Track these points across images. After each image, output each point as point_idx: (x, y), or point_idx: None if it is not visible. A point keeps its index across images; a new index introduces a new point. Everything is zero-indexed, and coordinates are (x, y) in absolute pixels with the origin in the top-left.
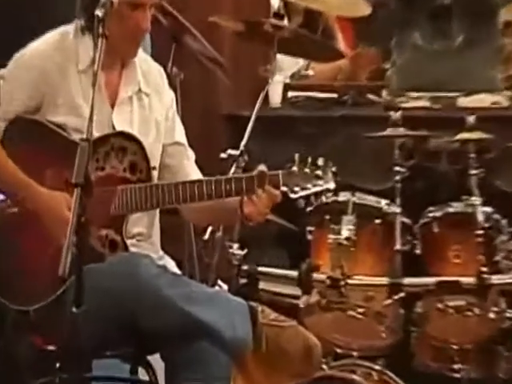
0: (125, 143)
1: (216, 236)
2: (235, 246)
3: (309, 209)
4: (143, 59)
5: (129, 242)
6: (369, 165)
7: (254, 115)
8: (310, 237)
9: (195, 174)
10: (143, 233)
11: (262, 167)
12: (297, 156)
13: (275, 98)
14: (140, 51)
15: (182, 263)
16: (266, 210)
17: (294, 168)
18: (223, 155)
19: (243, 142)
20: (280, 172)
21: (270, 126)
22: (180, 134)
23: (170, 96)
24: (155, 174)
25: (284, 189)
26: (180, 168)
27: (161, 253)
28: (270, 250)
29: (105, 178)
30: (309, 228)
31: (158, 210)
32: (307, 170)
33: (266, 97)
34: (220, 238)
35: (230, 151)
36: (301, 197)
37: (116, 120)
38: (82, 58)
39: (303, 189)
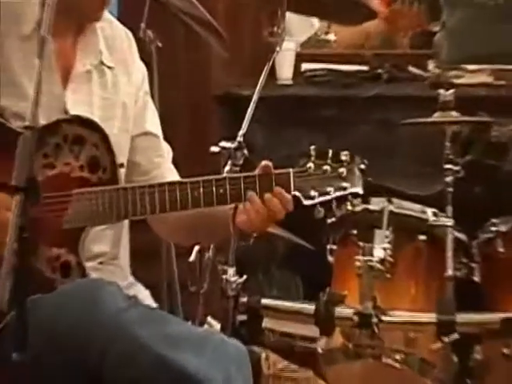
0: (82, 132)
1: (205, 257)
2: (231, 270)
3: (330, 220)
4: (106, 21)
5: (87, 264)
6: (410, 161)
7: (257, 95)
8: (331, 258)
9: (172, 175)
10: (107, 253)
11: (266, 163)
12: (313, 149)
13: (284, 71)
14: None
15: (160, 293)
16: (270, 222)
17: (310, 165)
18: (214, 149)
19: (241, 131)
20: (291, 170)
21: (278, 108)
22: (152, 123)
23: (140, 71)
24: (123, 172)
25: (296, 193)
26: (152, 167)
27: (131, 279)
28: (277, 275)
29: (55, 179)
30: (330, 246)
31: (126, 223)
32: (327, 168)
33: (273, 70)
34: (210, 259)
35: (223, 143)
36: (319, 204)
37: (70, 102)
38: (26, 19)
39: (322, 193)
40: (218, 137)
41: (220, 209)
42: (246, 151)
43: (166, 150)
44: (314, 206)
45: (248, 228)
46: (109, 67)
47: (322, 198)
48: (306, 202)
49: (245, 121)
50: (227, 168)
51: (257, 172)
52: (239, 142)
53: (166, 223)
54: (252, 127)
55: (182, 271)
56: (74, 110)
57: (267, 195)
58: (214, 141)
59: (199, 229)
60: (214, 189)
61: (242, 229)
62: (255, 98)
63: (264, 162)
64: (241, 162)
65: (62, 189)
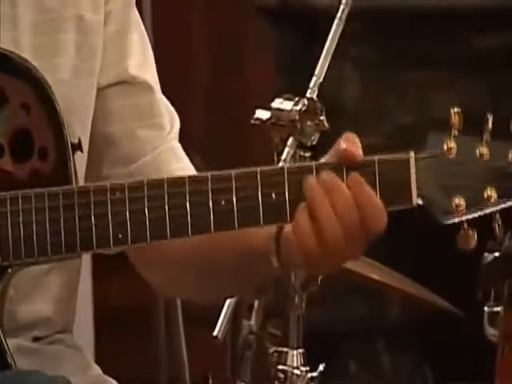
0: (4, 83)
1: (243, 329)
2: (294, 355)
3: (489, 257)
4: None
5: (11, 342)
6: None
7: (343, 8)
8: (491, 331)
9: (178, 164)
10: (49, 320)
11: (349, 138)
12: (455, 112)
13: None
14: None
15: None
16: (358, 246)
17: (450, 144)
18: (262, 114)
19: (315, 79)
20: (411, 155)
21: (387, 33)
22: (142, 62)
23: None
24: (81, 158)
25: (420, 201)
26: (139, 149)
27: (95, 370)
28: (386, 360)
29: None
30: (488, 308)
31: (88, 263)
32: (484, 152)
33: None
34: (254, 333)
35: (278, 103)
36: (467, 223)
37: None
38: None
39: (473, 203)
40: (268, 92)
41: (259, 231)
42: (322, 117)
43: (168, 114)
44: (456, 226)
45: (309, 260)
46: None
47: (474, 213)
48: (444, 219)
49: (321, 58)
50: (286, 153)
51: (330, 155)
52: (309, 100)
53: (163, 261)
54: (337, 71)
55: (197, 355)
56: None
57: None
58: (261, 99)
59: (223, 269)
60: (259, 194)
61: (296, 263)
62: (341, 11)
63: (345, 138)
64: (314, 138)
65: None
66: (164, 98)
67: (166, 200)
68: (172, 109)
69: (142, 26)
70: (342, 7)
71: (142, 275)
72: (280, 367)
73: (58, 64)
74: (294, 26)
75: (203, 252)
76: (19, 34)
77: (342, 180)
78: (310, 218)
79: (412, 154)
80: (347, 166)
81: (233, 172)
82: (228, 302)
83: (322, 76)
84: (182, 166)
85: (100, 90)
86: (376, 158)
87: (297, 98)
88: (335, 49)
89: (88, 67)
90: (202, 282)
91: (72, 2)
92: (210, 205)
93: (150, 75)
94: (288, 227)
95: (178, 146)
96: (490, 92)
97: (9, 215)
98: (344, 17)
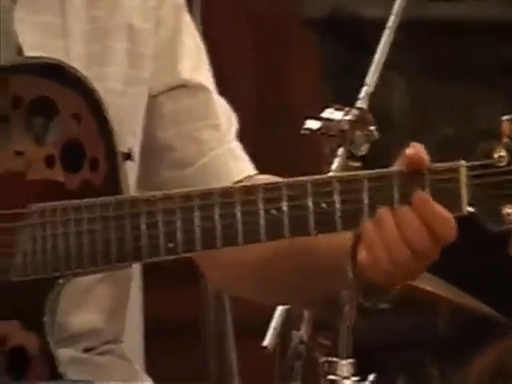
0: (50, 91)
1: (293, 339)
2: (345, 366)
3: None
4: None
5: (62, 353)
6: None
7: (394, 19)
8: None
9: (238, 161)
10: (99, 331)
11: (416, 148)
12: (507, 119)
13: None
14: None
15: None
16: (426, 260)
17: (502, 153)
18: (312, 124)
19: (365, 89)
20: (462, 163)
21: (437, 43)
22: (195, 66)
23: None
24: (132, 168)
25: (469, 209)
26: (198, 151)
27: (144, 378)
28: (436, 375)
29: None
30: None
31: (137, 275)
32: None
33: None
34: (304, 344)
35: (328, 113)
36: None
37: (23, 29)
38: None
39: None
40: (321, 103)
41: (325, 240)
42: (372, 127)
43: (225, 115)
44: (505, 234)
45: (380, 274)
46: None
47: None
48: (494, 228)
49: (371, 68)
50: (336, 163)
51: (396, 167)
52: (360, 110)
53: (224, 265)
54: (387, 80)
55: (248, 366)
56: (30, 48)
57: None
58: (311, 108)
59: (284, 276)
60: (309, 203)
61: (370, 276)
62: (391, 24)
63: (413, 147)
64: (364, 148)
65: (7, 202)
66: (220, 99)
67: (217, 209)
68: (229, 109)
69: (195, 29)
70: (392, 17)
71: (205, 274)
72: (330, 377)
73: (109, 72)
74: (340, 36)
75: (272, 254)
76: (70, 43)
77: (422, 188)
78: (382, 246)
79: (463, 162)
80: (418, 172)
81: (283, 181)
82: (278, 312)
83: (373, 86)
84: (240, 166)
85: (153, 97)
86: (427, 165)
87: (347, 108)
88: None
89: (138, 76)
90: (266, 288)
91: (121, 10)
92: (261, 213)
93: (204, 77)
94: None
95: (237, 145)
96: None
97: (60, 226)
98: (394, 26)
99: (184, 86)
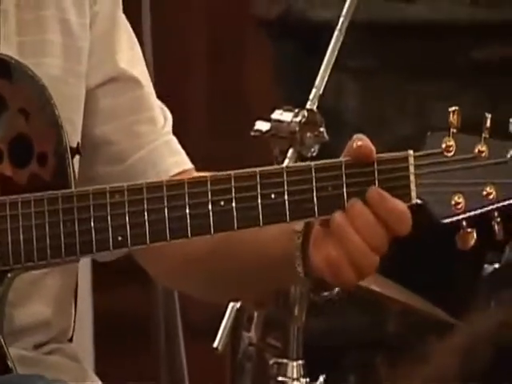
0: (2, 88)
1: (243, 339)
2: (293, 364)
3: (489, 268)
4: None
5: (12, 352)
6: None
7: (343, 21)
8: None
9: (175, 155)
10: (49, 323)
11: (361, 139)
12: (453, 111)
13: None
14: None
15: None
16: (369, 259)
17: (449, 143)
18: (261, 125)
19: (314, 90)
20: (410, 153)
21: (389, 45)
22: (131, 58)
23: None
24: (76, 162)
25: (418, 201)
26: (134, 145)
27: (93, 379)
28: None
29: None
30: None
31: (87, 268)
32: (483, 150)
33: None
34: (254, 345)
35: (278, 115)
36: (465, 223)
37: None
38: None
39: (473, 202)
40: (267, 103)
41: (271, 231)
42: (322, 128)
43: (159, 108)
44: (457, 228)
45: (332, 273)
46: None
47: (473, 211)
48: (443, 217)
49: (321, 70)
50: (287, 160)
51: (343, 157)
52: (309, 112)
53: (169, 258)
54: (337, 82)
55: (197, 367)
56: None
57: (359, 203)
58: (261, 109)
59: (229, 266)
60: (258, 194)
61: (322, 274)
62: (340, 26)
63: (357, 138)
64: (314, 149)
65: None
66: (154, 94)
67: (166, 202)
68: (162, 104)
69: (130, 27)
70: (341, 19)
71: (149, 271)
72: (280, 379)
73: (47, 63)
74: (293, 38)
75: (219, 252)
76: (7, 30)
77: (371, 183)
78: (337, 247)
79: (411, 152)
80: (366, 162)
81: (232, 173)
82: (228, 313)
83: (322, 88)
84: (177, 160)
85: (89, 91)
86: (375, 156)
87: (297, 110)
88: (335, 61)
89: (75, 69)
90: (213, 281)
91: (51, 2)
92: (210, 206)
93: (139, 71)
94: (313, 239)
95: (173, 139)
96: (490, 100)
97: (8, 220)
98: (344, 29)
99: (119, 80)
